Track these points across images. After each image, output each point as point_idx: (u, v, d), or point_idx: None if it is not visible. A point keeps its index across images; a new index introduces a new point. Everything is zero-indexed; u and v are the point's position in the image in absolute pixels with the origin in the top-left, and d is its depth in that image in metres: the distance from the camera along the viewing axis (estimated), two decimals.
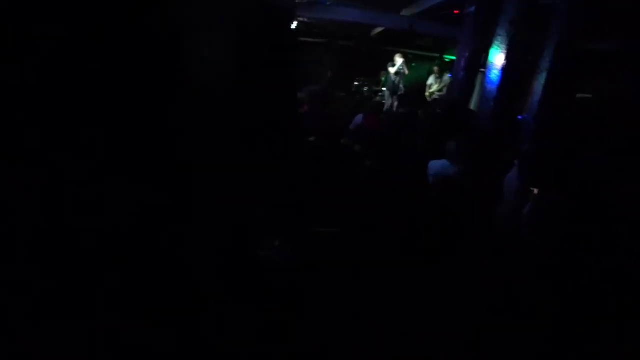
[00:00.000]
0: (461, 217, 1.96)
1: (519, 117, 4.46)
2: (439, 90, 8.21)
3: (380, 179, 3.02)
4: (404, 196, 2.53)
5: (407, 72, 8.05)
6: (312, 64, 9.65)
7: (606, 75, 5.55)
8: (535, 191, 2.04)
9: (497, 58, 4.29)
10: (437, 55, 9.84)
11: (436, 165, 2.93)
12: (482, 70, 5.15)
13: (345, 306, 1.73)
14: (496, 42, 4.31)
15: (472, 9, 5.20)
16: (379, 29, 8.98)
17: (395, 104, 7.91)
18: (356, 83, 9.76)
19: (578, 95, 6.50)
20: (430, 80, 8.53)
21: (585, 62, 4.41)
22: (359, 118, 4.52)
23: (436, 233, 1.96)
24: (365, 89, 9.60)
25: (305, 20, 8.04)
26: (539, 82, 4.25)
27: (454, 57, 7.04)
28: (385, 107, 7.87)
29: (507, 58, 4.18)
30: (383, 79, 8.99)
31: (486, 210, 2.07)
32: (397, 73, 7.96)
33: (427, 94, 8.53)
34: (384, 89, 8.70)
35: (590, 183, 2.08)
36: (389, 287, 1.88)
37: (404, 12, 7.67)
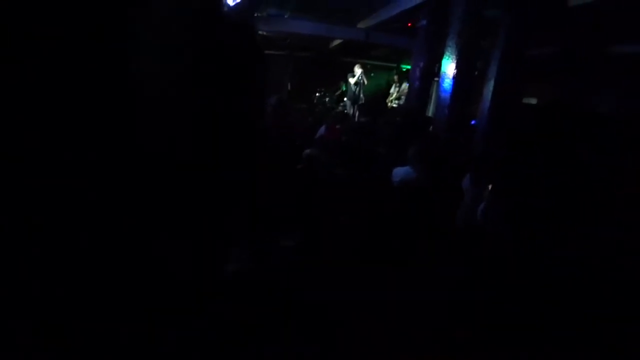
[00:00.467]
0: (424, 220, 2.07)
1: (472, 122, 4.74)
2: (397, 99, 8.53)
3: (346, 187, 3.11)
4: (370, 202, 2.62)
5: (366, 81, 8.32)
6: (272, 76, 9.71)
7: (547, 79, 6.02)
8: (487, 190, 2.19)
9: (449, 68, 4.54)
10: (395, 65, 10.22)
11: (399, 171, 3.06)
12: (436, 79, 5.43)
13: (315, 307, 1.78)
14: (447, 53, 4.57)
15: (424, 22, 5.50)
16: (338, 41, 9.22)
17: (357, 113, 8.13)
18: (317, 94, 9.93)
19: (524, 100, 7.01)
20: (392, 89, 8.86)
21: (528, 68, 4.79)
22: (322, 129, 4.62)
23: (400, 236, 2.05)
24: (327, 99, 9.78)
25: (264, 33, 8.12)
26: (488, 89, 4.58)
27: (409, 67, 7.38)
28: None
29: (458, 67, 4.43)
30: (343, 88, 9.23)
31: (448, 212, 2.19)
32: (356, 83, 8.21)
33: (387, 101, 8.85)
34: (344, 99, 8.94)
35: (535, 183, 2.25)
36: (357, 288, 1.94)
37: (360, 25, 7.94)
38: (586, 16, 4.24)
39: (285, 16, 7.49)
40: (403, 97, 8.40)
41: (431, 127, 4.95)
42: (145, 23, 0.86)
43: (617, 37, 5.01)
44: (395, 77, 8.96)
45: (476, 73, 5.41)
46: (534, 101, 6.69)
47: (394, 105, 8.49)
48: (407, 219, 2.08)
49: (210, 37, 1.08)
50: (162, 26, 0.91)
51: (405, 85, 8.41)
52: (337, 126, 4.75)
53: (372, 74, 9.60)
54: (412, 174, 2.58)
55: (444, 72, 4.62)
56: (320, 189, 2.48)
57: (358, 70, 8.29)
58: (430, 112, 6.79)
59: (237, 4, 5.41)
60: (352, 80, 8.27)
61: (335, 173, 2.83)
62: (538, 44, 5.24)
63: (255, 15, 7.07)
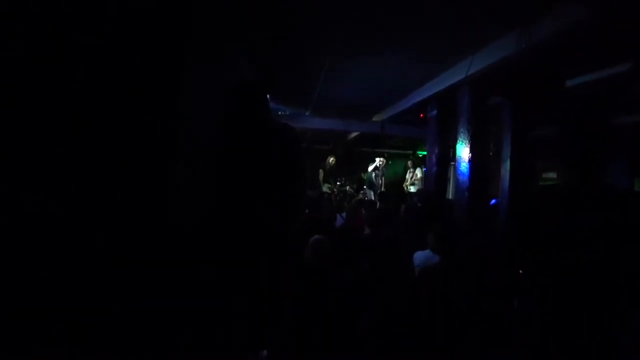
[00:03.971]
0: (447, 305, 1.98)
1: (492, 202, 4.72)
2: (412, 184, 8.71)
3: (371, 274, 3.04)
4: (392, 289, 2.54)
5: (385, 169, 8.63)
6: None
7: (561, 155, 6.07)
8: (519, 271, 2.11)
9: (463, 152, 4.71)
10: (410, 152, 10.59)
11: (420, 256, 3.01)
12: (452, 163, 5.58)
13: None
14: (459, 139, 4.78)
15: (434, 112, 5.86)
16: (355, 133, 9.79)
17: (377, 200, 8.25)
18: (338, 183, 10.23)
19: (544, 174, 7.01)
20: (407, 174, 9.10)
21: (543, 145, 4.90)
22: (339, 218, 4.72)
23: (425, 323, 1.95)
24: (347, 187, 10.04)
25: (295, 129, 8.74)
26: (505, 169, 4.66)
27: (425, 152, 7.66)
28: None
29: (472, 151, 4.59)
30: (365, 177, 9.54)
31: (471, 298, 2.10)
32: (376, 173, 8.54)
33: (404, 186, 9.03)
34: (364, 187, 9.19)
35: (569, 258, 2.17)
36: None
37: (375, 118, 8.49)
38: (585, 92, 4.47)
39: (307, 113, 8.13)
40: (417, 182, 8.58)
41: (452, 210, 4.94)
42: (196, 126, 0.95)
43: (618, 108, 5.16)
44: (409, 163, 9.26)
45: (491, 154, 5.57)
46: (553, 175, 6.70)
47: (410, 190, 8.64)
48: (428, 305, 2.00)
49: (259, 132, 1.18)
50: (212, 132, 1.01)
51: (419, 170, 8.66)
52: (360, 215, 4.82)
53: (390, 162, 9.95)
54: (432, 257, 2.54)
55: (460, 157, 4.78)
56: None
57: (377, 160, 8.70)
58: (450, 194, 6.83)
59: None
60: (371, 169, 8.62)
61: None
62: (546, 123, 5.43)
63: (280, 113, 7.74)
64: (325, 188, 9.01)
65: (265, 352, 2.17)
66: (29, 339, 0.66)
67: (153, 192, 0.83)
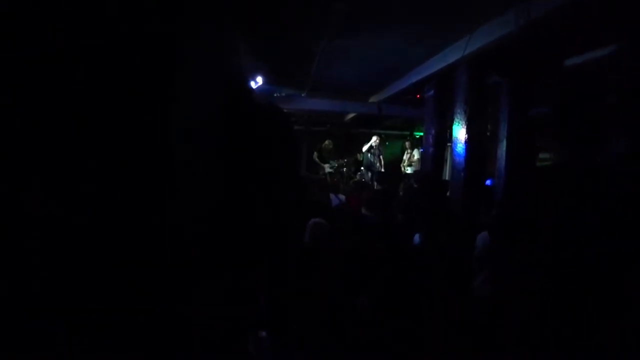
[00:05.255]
0: (442, 285, 2.02)
1: (487, 183, 4.75)
2: (410, 165, 8.73)
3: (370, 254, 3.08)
4: (393, 268, 2.58)
5: (382, 150, 8.62)
6: None
7: (558, 135, 6.08)
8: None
9: (460, 133, 4.70)
10: (407, 133, 10.57)
11: (419, 237, 3.05)
12: (449, 144, 5.59)
13: None
14: (456, 119, 4.77)
15: (431, 92, 5.81)
16: (352, 114, 9.73)
17: (374, 181, 8.29)
18: (336, 164, 10.23)
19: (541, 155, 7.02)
20: (404, 155, 9.11)
21: (539, 126, 4.89)
22: (335, 199, 4.74)
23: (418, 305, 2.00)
24: (344, 169, 10.04)
25: (284, 111, 8.69)
26: (502, 149, 4.66)
27: (422, 133, 7.65)
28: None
29: (468, 132, 4.58)
30: (361, 158, 9.53)
31: (464, 276, 2.14)
32: (372, 152, 8.52)
33: (401, 167, 9.06)
34: (362, 168, 9.19)
35: (560, 238, 2.20)
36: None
37: (372, 99, 8.43)
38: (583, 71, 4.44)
39: (303, 95, 8.06)
40: (414, 163, 8.59)
41: (448, 192, 4.98)
42: (181, 109, 0.93)
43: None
44: (407, 144, 9.24)
45: (488, 134, 5.56)
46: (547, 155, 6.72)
47: (407, 171, 8.66)
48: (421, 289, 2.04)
49: (245, 121, 1.16)
50: (196, 112, 1.00)
51: (416, 152, 8.65)
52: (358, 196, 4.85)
53: (387, 143, 9.93)
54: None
55: (456, 137, 4.78)
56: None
57: (373, 139, 8.67)
58: (446, 175, 6.86)
59: (258, 86, 5.94)
60: (365, 148, 8.61)
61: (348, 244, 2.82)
62: (543, 103, 5.40)
63: (275, 95, 7.67)
64: (327, 168, 9.01)
65: (264, 333, 2.22)
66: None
67: (149, 193, 0.83)
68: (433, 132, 5.78)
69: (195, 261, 0.95)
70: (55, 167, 0.72)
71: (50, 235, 0.70)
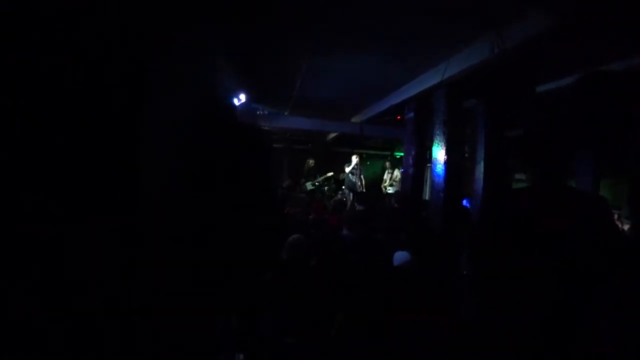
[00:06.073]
0: (421, 304, 2.02)
1: (464, 202, 4.85)
2: (391, 185, 8.84)
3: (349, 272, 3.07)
4: (370, 287, 2.57)
5: (362, 170, 8.72)
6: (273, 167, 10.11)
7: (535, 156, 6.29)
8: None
9: (439, 154, 4.81)
10: (388, 153, 10.75)
11: (400, 256, 3.06)
12: (429, 165, 5.70)
13: None
14: (435, 141, 4.88)
15: (411, 114, 5.96)
16: (334, 134, 9.85)
17: (355, 201, 8.34)
18: (316, 183, 10.26)
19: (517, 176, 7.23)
20: (385, 175, 9.24)
21: (516, 147, 5.05)
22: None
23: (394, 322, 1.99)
24: (325, 188, 10.07)
25: (266, 128, 8.73)
26: (479, 170, 4.79)
27: (402, 154, 7.79)
28: (347, 205, 8.28)
29: (447, 153, 4.70)
30: (342, 178, 9.61)
31: (444, 297, 2.15)
32: (353, 172, 8.61)
33: (382, 187, 9.16)
34: (343, 187, 9.25)
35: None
36: None
37: (354, 119, 8.57)
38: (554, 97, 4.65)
39: (286, 113, 8.12)
40: (395, 183, 8.72)
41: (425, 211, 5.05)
42: (156, 126, 0.93)
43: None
44: (387, 164, 9.39)
45: (466, 156, 5.70)
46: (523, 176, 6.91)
47: (388, 191, 8.77)
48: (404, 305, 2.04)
49: (223, 139, 1.16)
50: (173, 130, 0.99)
51: (397, 172, 8.80)
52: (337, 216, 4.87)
53: (367, 162, 10.06)
54: (409, 258, 2.59)
55: (435, 158, 4.88)
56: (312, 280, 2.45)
57: (354, 160, 8.77)
58: (426, 195, 6.97)
59: (242, 104, 5.95)
60: (348, 169, 8.68)
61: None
62: (518, 126, 5.61)
63: (258, 112, 7.69)
64: (309, 186, 9.05)
65: (242, 356, 2.16)
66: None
67: (124, 197, 0.81)
68: (413, 152, 5.89)
69: (168, 279, 0.93)
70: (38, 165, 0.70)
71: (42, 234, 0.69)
